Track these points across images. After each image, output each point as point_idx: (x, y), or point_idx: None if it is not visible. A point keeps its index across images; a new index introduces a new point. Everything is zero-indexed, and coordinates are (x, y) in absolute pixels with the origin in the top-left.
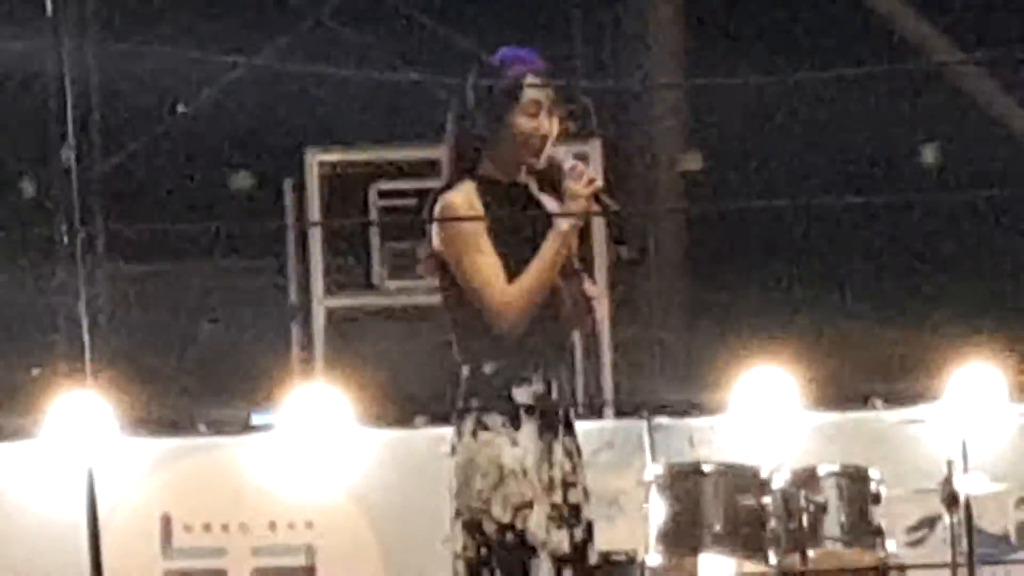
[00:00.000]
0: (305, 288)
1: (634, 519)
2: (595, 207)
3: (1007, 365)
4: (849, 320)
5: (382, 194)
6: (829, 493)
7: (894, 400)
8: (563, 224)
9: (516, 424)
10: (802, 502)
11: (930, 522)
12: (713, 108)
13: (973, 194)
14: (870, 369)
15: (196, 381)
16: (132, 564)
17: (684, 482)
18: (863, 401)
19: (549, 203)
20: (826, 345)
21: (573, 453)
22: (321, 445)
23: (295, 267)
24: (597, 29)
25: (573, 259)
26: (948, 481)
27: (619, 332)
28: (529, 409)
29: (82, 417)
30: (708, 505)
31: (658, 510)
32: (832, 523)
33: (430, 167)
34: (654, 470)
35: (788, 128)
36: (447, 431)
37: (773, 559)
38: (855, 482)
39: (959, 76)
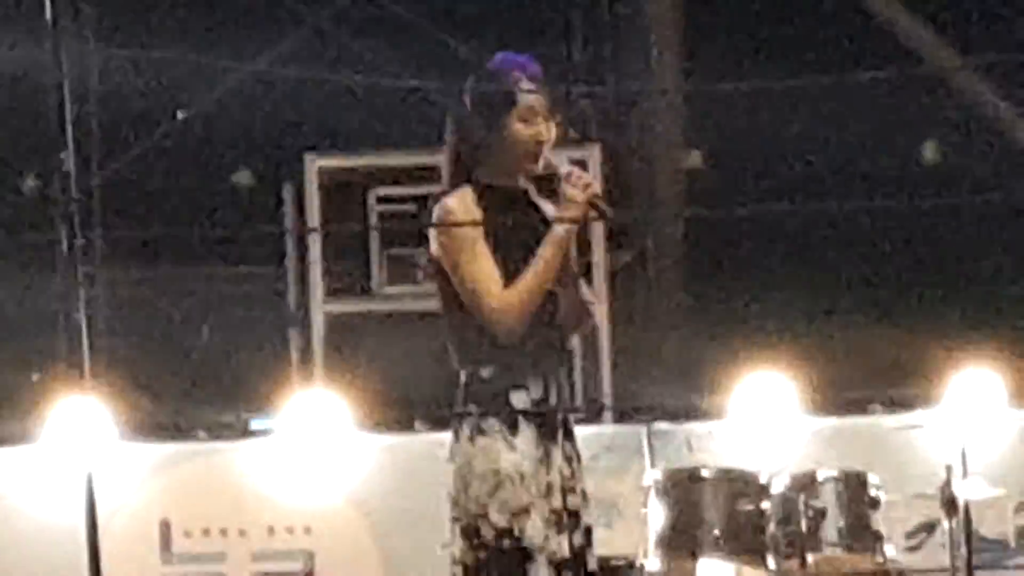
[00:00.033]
0: (304, 293)
1: (633, 524)
2: (592, 212)
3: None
4: (848, 325)
5: (381, 200)
6: (828, 498)
7: (893, 405)
8: (560, 229)
9: (514, 429)
10: (801, 507)
11: (929, 527)
12: (713, 109)
13: (973, 198)
14: (869, 374)
15: (195, 386)
16: (131, 569)
17: (683, 487)
18: (862, 406)
19: (547, 208)
20: (825, 350)
21: (572, 458)
22: (320, 450)
23: (294, 272)
24: (596, 32)
25: (571, 264)
26: (947, 486)
27: (618, 337)
28: (527, 414)
29: (81, 422)
30: (707, 510)
31: (657, 515)
32: (831, 528)
33: (429, 173)
34: (653, 475)
35: (788, 129)
36: (446, 436)
37: (772, 564)
38: (854, 487)
39: (960, 78)
